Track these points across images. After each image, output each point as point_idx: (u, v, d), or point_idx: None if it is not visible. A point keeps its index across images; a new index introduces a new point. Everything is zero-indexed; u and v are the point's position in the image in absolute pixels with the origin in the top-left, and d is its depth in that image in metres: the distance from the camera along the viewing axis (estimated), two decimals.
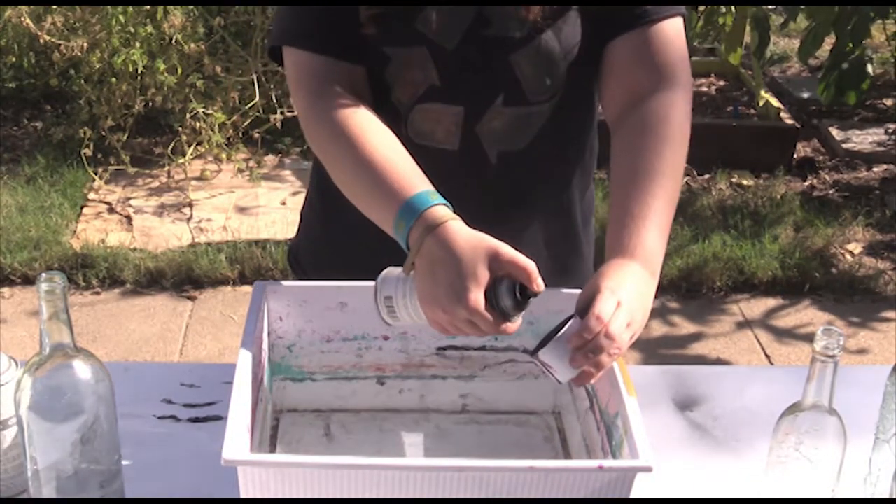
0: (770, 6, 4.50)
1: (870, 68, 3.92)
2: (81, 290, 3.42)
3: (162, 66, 3.91)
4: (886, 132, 4.68)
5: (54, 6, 4.01)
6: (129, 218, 3.81)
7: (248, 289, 3.42)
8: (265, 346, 1.26)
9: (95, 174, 3.99)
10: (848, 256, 3.70)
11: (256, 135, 4.07)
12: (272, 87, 4.14)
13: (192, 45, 3.99)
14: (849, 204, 4.07)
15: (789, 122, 4.43)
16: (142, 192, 4.00)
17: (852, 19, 3.76)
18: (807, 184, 4.26)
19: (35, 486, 1.08)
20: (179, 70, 4.01)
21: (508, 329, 1.09)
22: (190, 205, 3.90)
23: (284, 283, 1.28)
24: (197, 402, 1.36)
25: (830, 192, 4.21)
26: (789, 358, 3.17)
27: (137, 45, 3.93)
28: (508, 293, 1.08)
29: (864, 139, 4.60)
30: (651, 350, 3.18)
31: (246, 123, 4.11)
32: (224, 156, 4.16)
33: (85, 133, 3.92)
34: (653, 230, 1.18)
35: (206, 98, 4.07)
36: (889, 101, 5.10)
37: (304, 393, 1.33)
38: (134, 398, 1.31)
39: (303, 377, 1.33)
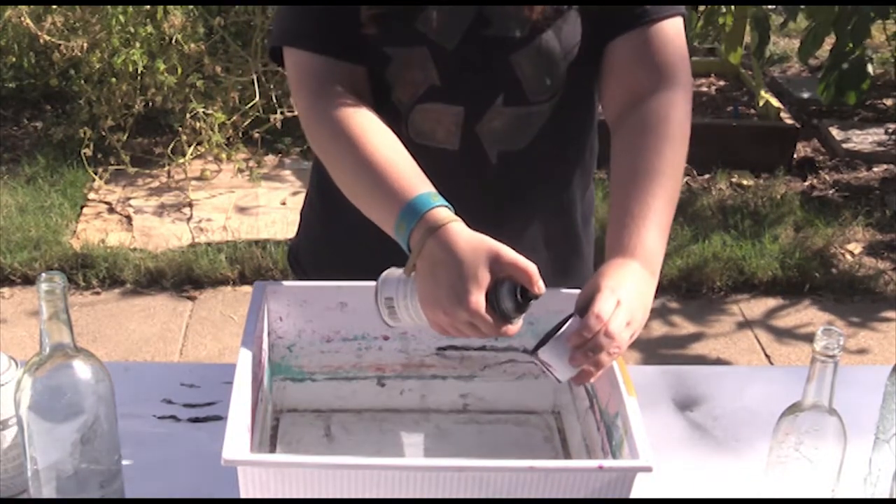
0: (770, 6, 4.50)
1: (870, 68, 3.91)
2: (81, 290, 3.42)
3: (162, 66, 3.91)
4: (886, 132, 4.68)
5: (54, 6, 4.01)
6: (129, 218, 3.81)
7: (248, 289, 3.42)
8: (265, 346, 1.26)
9: (95, 174, 3.99)
10: (848, 256, 3.70)
11: (256, 135, 4.07)
12: (272, 87, 4.14)
13: (192, 45, 3.99)
14: (849, 204, 4.07)
15: (789, 122, 4.43)
16: (142, 192, 4.00)
17: (852, 19, 3.76)
18: (807, 184, 4.26)
19: (35, 486, 1.08)
20: (179, 70, 4.01)
21: (509, 331, 1.09)
22: (190, 205, 3.90)
23: (284, 283, 1.28)
24: (197, 402, 1.36)
25: (830, 192, 4.21)
26: (789, 358, 3.17)
27: (137, 45, 3.93)
28: (509, 295, 1.08)
29: (864, 139, 4.60)
30: (651, 350, 3.18)
31: (246, 123, 4.12)
32: (224, 156, 4.16)
33: (85, 133, 3.92)
34: (653, 230, 1.18)
35: (206, 98, 4.07)
36: (889, 101, 5.10)
37: (304, 393, 1.33)
38: (134, 398, 1.31)
39: (303, 377, 1.33)
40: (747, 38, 4.89)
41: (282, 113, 4.02)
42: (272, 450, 1.26)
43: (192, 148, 4.08)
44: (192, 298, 3.41)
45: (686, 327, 3.34)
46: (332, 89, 1.26)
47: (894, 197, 4.14)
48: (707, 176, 4.23)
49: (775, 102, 4.57)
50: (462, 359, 1.32)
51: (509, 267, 1.08)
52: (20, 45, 4.34)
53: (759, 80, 4.74)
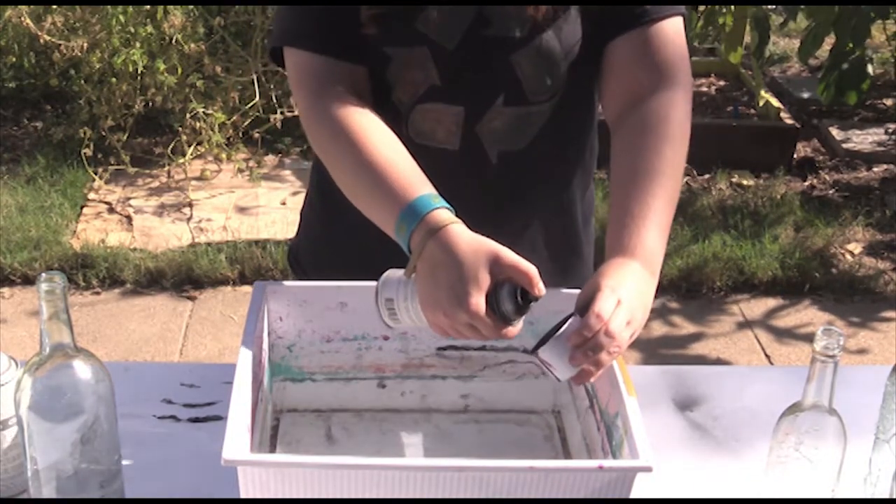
0: (770, 6, 4.50)
1: (870, 68, 3.91)
2: (81, 290, 3.42)
3: (162, 66, 3.91)
4: (886, 132, 4.68)
5: (54, 6, 4.01)
6: (129, 218, 3.81)
7: (248, 289, 3.42)
8: (265, 346, 1.26)
9: (95, 174, 3.99)
10: (848, 256, 3.70)
11: (256, 135, 4.07)
12: (272, 87, 4.14)
13: (192, 45, 3.99)
14: (849, 204, 4.07)
15: (789, 122, 4.43)
16: (142, 192, 4.00)
17: (852, 19, 3.76)
18: (807, 184, 4.26)
19: (35, 486, 1.08)
20: (179, 70, 4.01)
21: (509, 333, 1.09)
22: (190, 205, 3.90)
23: (284, 283, 1.28)
24: (197, 402, 1.36)
25: (830, 192, 4.21)
26: (789, 358, 3.17)
27: (137, 45, 3.93)
28: (509, 297, 1.08)
29: (864, 139, 4.60)
30: (651, 350, 3.18)
31: (246, 123, 4.12)
32: (224, 156, 4.16)
33: (85, 133, 3.92)
34: (653, 230, 1.18)
35: (206, 98, 4.07)
36: (889, 101, 5.10)
37: (304, 393, 1.33)
38: (134, 398, 1.31)
39: (303, 377, 1.33)
40: (747, 38, 4.89)
41: (282, 113, 4.02)
42: (272, 450, 1.26)
43: (192, 148, 4.08)
44: (192, 298, 3.41)
45: (686, 327, 3.34)
46: (333, 89, 1.26)
47: (894, 197, 4.14)
48: (707, 176, 4.23)
49: (775, 102, 4.57)
50: (462, 359, 1.32)
51: (509, 269, 1.08)
52: (20, 45, 4.34)
53: (759, 80, 4.74)
